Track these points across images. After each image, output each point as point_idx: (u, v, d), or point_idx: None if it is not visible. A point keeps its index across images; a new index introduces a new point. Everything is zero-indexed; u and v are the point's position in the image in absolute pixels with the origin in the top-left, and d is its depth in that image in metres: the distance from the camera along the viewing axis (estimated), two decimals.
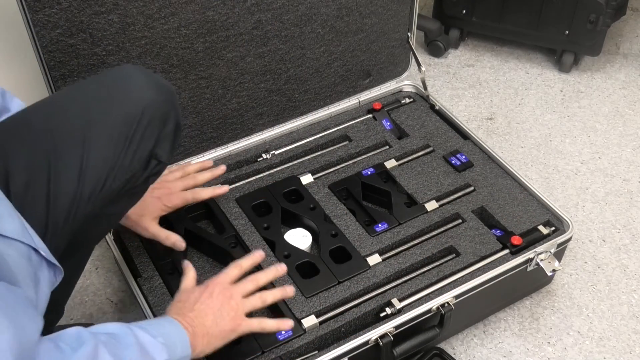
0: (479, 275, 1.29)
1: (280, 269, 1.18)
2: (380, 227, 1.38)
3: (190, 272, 1.16)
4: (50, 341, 0.80)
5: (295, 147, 1.56)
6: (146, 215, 1.26)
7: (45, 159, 0.95)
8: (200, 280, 1.29)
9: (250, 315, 1.12)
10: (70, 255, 1.01)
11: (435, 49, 2.13)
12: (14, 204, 0.87)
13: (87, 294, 1.49)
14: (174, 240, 1.27)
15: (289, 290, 1.17)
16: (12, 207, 0.83)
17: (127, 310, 1.46)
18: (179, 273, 1.29)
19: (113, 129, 0.98)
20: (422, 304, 1.25)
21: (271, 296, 1.14)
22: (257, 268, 1.21)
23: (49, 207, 0.94)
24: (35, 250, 0.84)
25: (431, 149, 1.56)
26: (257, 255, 1.18)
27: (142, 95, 1.01)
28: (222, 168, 1.39)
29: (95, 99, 1.01)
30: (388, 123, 1.63)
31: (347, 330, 1.23)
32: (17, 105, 1.09)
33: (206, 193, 1.33)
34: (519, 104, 1.98)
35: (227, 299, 1.09)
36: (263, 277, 1.15)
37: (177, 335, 0.98)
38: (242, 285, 1.12)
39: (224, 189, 1.35)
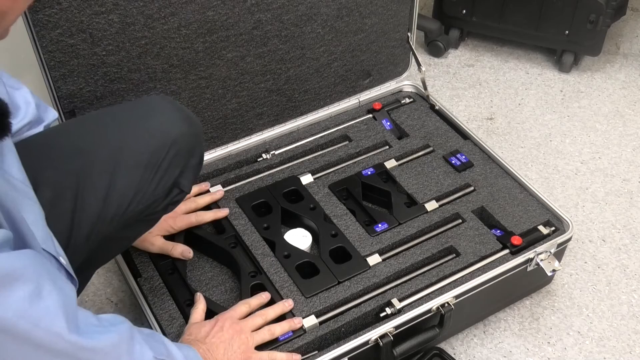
0: (479, 275, 1.29)
1: (287, 304, 1.22)
2: (380, 227, 1.38)
3: (200, 305, 1.20)
4: (89, 312, 0.82)
5: (295, 147, 1.56)
6: (153, 232, 1.29)
7: (74, 178, 0.98)
8: (200, 279, 1.30)
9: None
10: (77, 273, 1.02)
11: (435, 49, 2.13)
12: None
13: (87, 294, 1.49)
14: (182, 250, 1.30)
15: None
16: (41, 214, 0.85)
17: (127, 310, 1.45)
18: (179, 273, 1.29)
19: (143, 155, 1.02)
20: (422, 304, 1.25)
21: (279, 329, 1.18)
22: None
23: (73, 225, 0.97)
24: (56, 259, 0.85)
25: (431, 149, 1.56)
26: (264, 296, 1.23)
27: (173, 127, 1.06)
28: (220, 193, 1.42)
29: (128, 126, 1.05)
30: (388, 123, 1.63)
31: (347, 330, 1.23)
32: (52, 115, 1.13)
33: (209, 216, 1.37)
34: (519, 104, 1.98)
35: (238, 332, 1.12)
36: (272, 312, 1.20)
37: (196, 358, 1.01)
38: (252, 320, 1.16)
39: (224, 212, 1.38)
